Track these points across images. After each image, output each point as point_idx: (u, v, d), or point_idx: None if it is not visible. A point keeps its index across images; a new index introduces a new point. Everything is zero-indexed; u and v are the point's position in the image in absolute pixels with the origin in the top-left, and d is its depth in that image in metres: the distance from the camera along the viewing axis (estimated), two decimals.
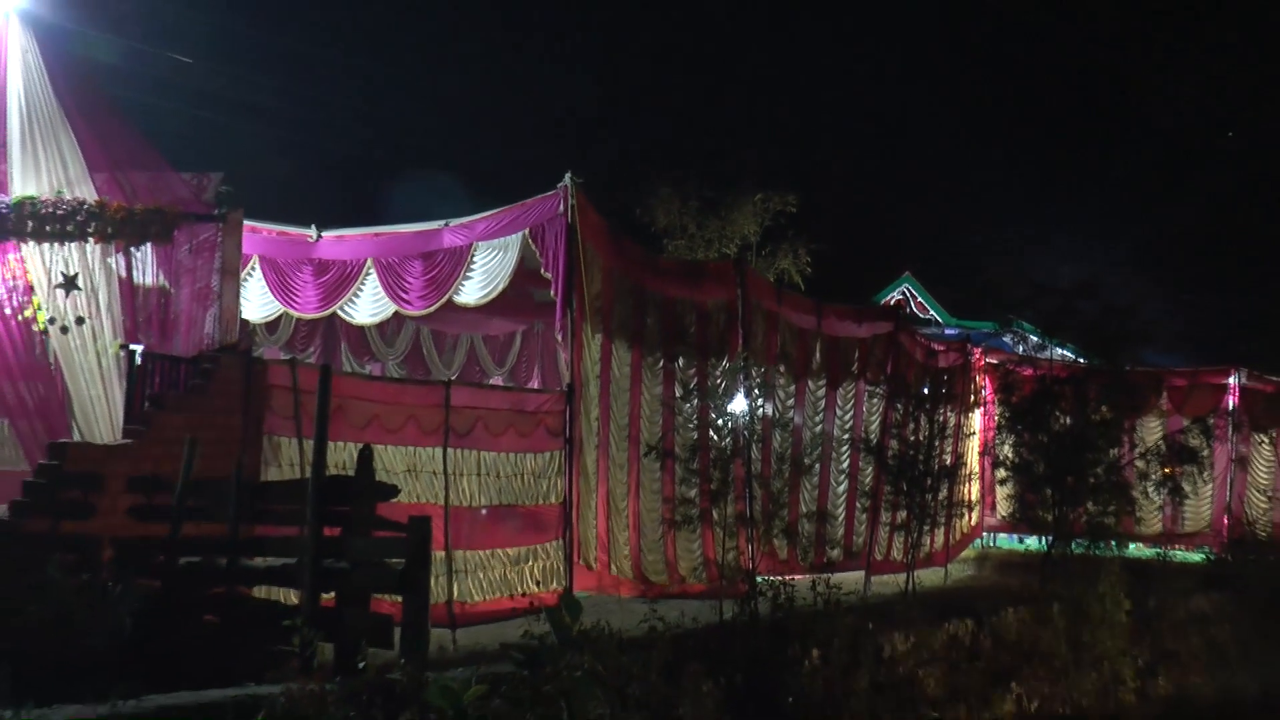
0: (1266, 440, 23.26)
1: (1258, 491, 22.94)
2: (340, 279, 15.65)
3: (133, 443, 9.93)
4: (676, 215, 23.53)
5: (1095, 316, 17.04)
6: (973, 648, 12.71)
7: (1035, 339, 18.13)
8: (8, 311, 11.40)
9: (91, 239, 11.35)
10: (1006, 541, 22.50)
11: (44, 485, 9.40)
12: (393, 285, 15.04)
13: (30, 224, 11.19)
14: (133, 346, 10.97)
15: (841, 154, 46.41)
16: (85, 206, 11.27)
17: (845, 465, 16.94)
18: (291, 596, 9.13)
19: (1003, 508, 20.47)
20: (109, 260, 11.50)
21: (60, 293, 11.34)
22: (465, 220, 14.43)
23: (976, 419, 19.78)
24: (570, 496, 12.53)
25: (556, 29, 55.73)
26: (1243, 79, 49.80)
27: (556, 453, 12.54)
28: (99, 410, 11.29)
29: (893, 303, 33.39)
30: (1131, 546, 18.71)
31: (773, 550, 14.45)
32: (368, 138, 42.14)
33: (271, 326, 16.86)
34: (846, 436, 16.93)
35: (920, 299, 35.52)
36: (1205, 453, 18.43)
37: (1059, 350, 18.58)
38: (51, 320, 11.35)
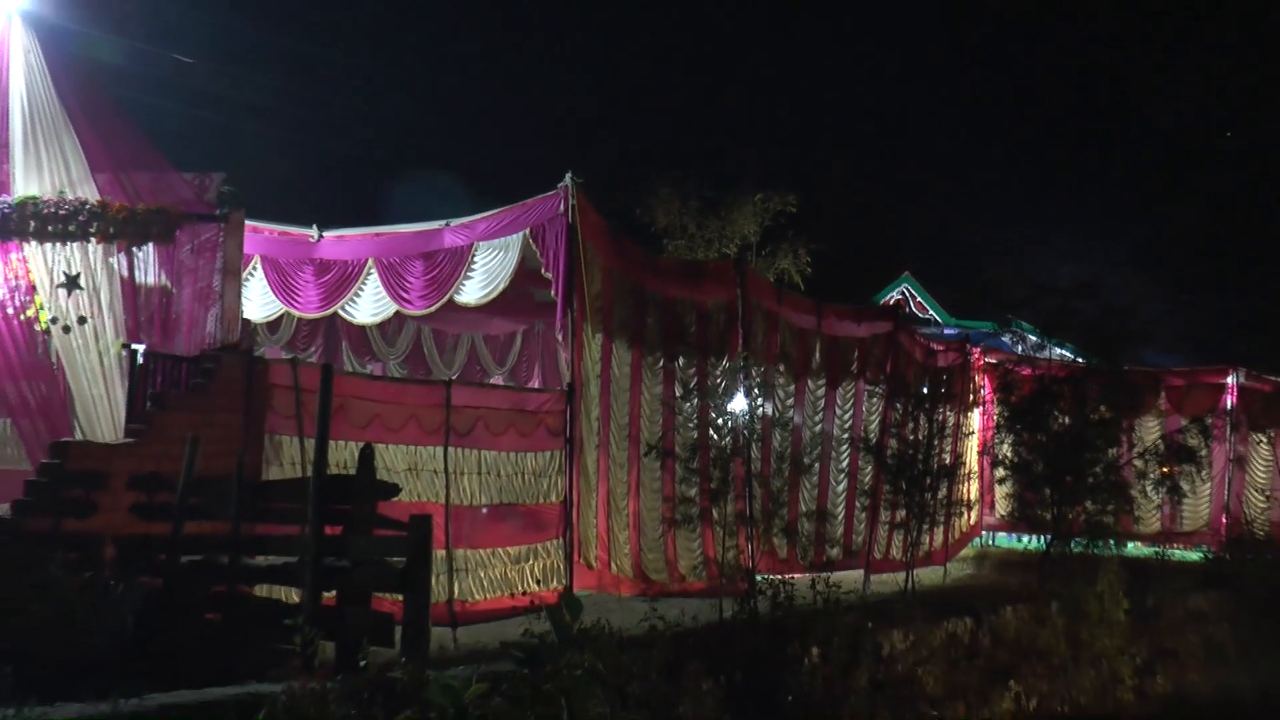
0: (1265, 440, 23.26)
1: (1256, 491, 22.94)
2: (341, 279, 15.66)
3: (135, 442, 9.94)
4: (676, 215, 23.53)
5: (1094, 316, 17.08)
6: (972, 646, 12.76)
7: (1034, 339, 18.17)
8: (10, 311, 11.42)
9: (94, 239, 11.35)
10: (1005, 540, 22.47)
11: (46, 484, 9.41)
12: (394, 285, 15.06)
13: (33, 224, 11.21)
14: (135, 346, 10.97)
15: (841, 154, 46.47)
16: (87, 206, 11.29)
17: (845, 464, 16.94)
18: (293, 595, 9.14)
19: (1001, 507, 20.46)
20: (111, 260, 11.51)
21: (62, 292, 11.36)
22: (466, 220, 14.44)
23: (975, 418, 19.78)
24: (571, 495, 12.55)
25: (556, 29, 55.76)
26: (1243, 79, 49.84)
27: (557, 452, 12.56)
28: (101, 409, 11.30)
29: (892, 302, 33.42)
30: (1130, 545, 18.77)
31: (772, 549, 14.48)
32: (368, 138, 42.18)
33: (273, 326, 16.87)
34: (846, 436, 16.93)
35: (920, 299, 35.55)
36: (1203, 452, 18.45)
37: (1058, 350, 18.62)
38: (54, 320, 11.37)
